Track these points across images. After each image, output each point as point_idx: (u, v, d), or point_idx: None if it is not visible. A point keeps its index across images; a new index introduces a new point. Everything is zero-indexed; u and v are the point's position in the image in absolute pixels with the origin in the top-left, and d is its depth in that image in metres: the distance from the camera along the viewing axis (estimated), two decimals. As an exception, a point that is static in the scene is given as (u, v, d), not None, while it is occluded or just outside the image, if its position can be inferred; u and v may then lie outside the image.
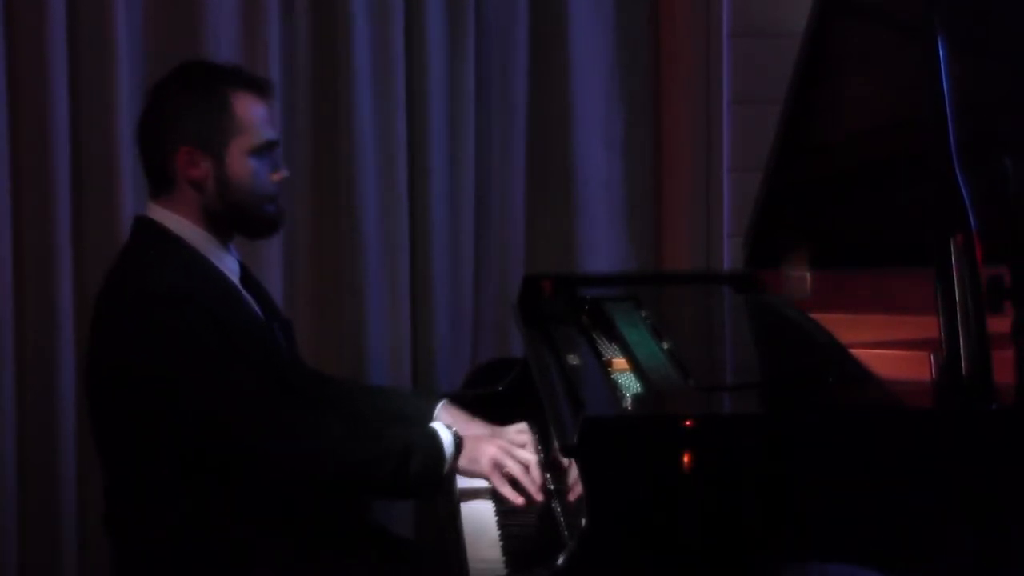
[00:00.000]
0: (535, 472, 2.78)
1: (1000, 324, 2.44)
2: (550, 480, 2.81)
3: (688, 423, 2.33)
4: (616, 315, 3.03)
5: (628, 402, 2.56)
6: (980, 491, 2.35)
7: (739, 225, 3.74)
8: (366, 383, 3.63)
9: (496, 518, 2.79)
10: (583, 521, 2.31)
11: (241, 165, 2.77)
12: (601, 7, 3.93)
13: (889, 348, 2.89)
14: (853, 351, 2.75)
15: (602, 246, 3.97)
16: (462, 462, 2.79)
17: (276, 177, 2.83)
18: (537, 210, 3.97)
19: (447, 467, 2.77)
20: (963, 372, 2.37)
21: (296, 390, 2.84)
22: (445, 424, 2.84)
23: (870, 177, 2.98)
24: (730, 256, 3.96)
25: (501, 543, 2.68)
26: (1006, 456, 2.36)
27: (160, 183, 2.79)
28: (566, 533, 2.55)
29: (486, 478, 2.80)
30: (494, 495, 2.83)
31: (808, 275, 3.19)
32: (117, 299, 2.75)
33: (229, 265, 2.83)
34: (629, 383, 2.69)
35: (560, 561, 2.30)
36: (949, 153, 2.43)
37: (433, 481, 2.76)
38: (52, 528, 3.68)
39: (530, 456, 2.81)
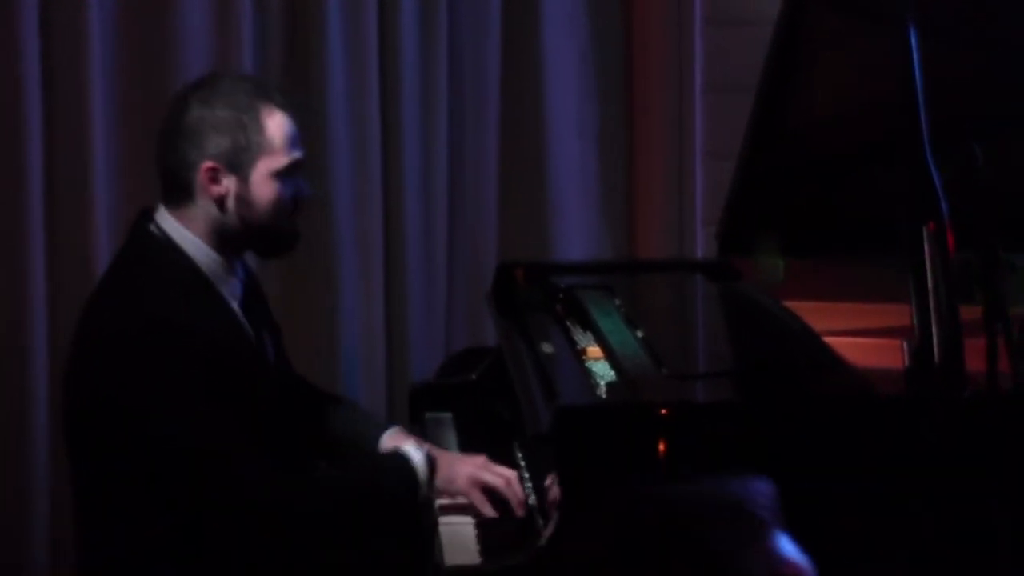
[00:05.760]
0: (516, 485, 2.70)
1: (972, 312, 2.45)
2: (524, 468, 2.81)
3: (662, 412, 2.34)
4: (590, 303, 3.03)
5: (602, 391, 2.56)
6: (952, 477, 2.36)
7: (713, 213, 3.73)
8: (333, 393, 3.33)
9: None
10: (558, 510, 2.31)
11: (265, 186, 2.66)
12: (573, -5, 3.94)
13: (862, 336, 2.90)
14: (826, 339, 2.76)
15: (575, 235, 3.97)
16: (439, 482, 2.71)
17: (299, 197, 2.73)
18: (510, 199, 3.97)
19: (424, 491, 2.69)
20: (935, 359, 2.37)
21: (280, 424, 2.71)
22: (416, 445, 2.74)
23: (843, 165, 2.98)
24: (703, 244, 3.97)
25: (476, 531, 2.67)
26: (978, 443, 2.37)
27: (174, 192, 2.66)
28: (541, 522, 2.55)
29: (464, 495, 2.72)
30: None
31: (781, 263, 3.19)
32: (106, 317, 2.62)
33: (231, 288, 2.71)
34: (603, 371, 2.69)
35: (535, 549, 2.30)
36: (921, 140, 2.43)
37: (410, 508, 2.68)
38: (23, 530, 3.64)
39: (509, 471, 2.73)
